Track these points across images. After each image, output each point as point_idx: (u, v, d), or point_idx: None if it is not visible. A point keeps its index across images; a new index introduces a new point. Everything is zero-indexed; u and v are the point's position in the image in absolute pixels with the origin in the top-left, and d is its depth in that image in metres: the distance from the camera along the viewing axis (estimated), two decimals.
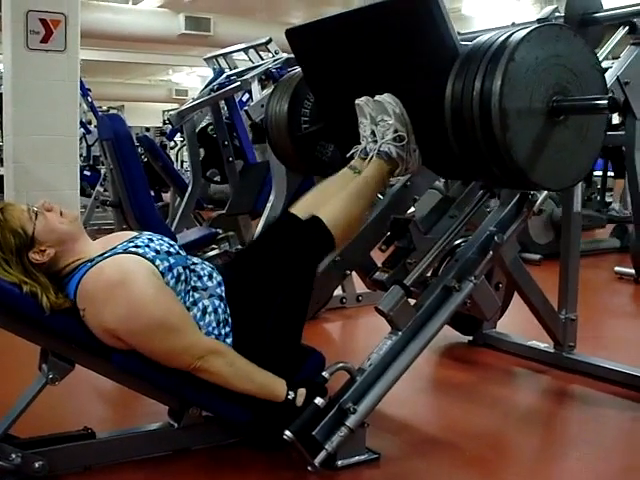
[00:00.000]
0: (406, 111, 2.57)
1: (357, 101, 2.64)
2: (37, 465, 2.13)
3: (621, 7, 3.07)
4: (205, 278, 2.34)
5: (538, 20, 2.96)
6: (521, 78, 2.23)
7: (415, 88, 2.56)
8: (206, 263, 2.43)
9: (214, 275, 2.37)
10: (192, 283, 2.30)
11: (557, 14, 3.00)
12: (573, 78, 2.35)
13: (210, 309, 2.29)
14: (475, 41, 2.37)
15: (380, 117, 2.58)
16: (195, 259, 2.42)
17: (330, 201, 2.52)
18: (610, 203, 8.02)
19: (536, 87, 2.27)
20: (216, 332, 2.28)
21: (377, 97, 2.59)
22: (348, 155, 2.68)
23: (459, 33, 3.14)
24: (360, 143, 2.65)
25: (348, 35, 2.72)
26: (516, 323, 3.85)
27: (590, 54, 2.42)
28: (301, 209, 2.53)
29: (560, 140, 2.35)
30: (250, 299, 2.35)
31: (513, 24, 3.15)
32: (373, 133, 2.60)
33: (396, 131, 2.56)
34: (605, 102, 2.27)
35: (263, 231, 2.66)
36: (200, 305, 2.27)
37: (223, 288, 2.35)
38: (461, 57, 2.35)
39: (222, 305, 2.32)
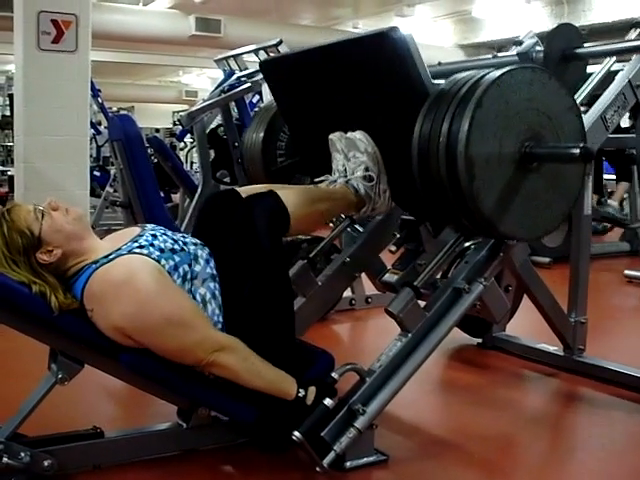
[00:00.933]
0: (378, 149, 2.55)
1: (330, 136, 2.63)
2: (46, 464, 2.14)
3: (603, 43, 3.05)
4: (192, 263, 2.28)
5: (518, 54, 2.91)
6: (490, 124, 2.15)
7: (387, 126, 2.52)
8: (189, 239, 2.36)
9: (199, 254, 2.31)
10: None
11: (537, 48, 2.94)
12: (547, 122, 2.27)
13: (209, 296, 2.27)
14: (447, 81, 2.30)
15: (352, 153, 2.57)
16: (178, 236, 2.36)
17: (285, 190, 2.48)
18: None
19: (506, 133, 2.19)
20: (221, 319, 2.27)
21: (350, 134, 2.58)
22: (317, 180, 2.66)
23: (439, 64, 3.12)
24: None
25: (322, 69, 2.69)
26: (525, 326, 3.83)
27: (566, 96, 2.34)
28: (249, 191, 2.48)
29: (532, 189, 2.27)
30: (225, 285, 2.32)
31: (495, 56, 3.11)
32: (345, 169, 2.59)
33: (367, 169, 2.54)
34: (577, 151, 2.17)
35: (202, 211, 2.60)
36: (198, 297, 2.25)
37: (212, 264, 2.32)
38: (431, 97, 2.27)
39: (217, 285, 2.30)
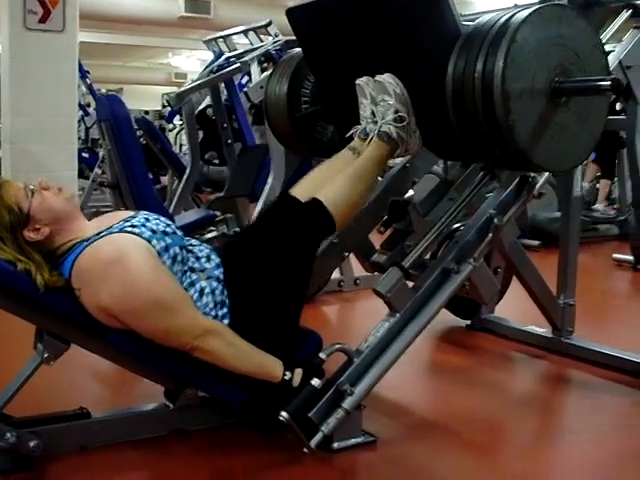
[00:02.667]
0: (407, 91, 2.55)
1: (357, 81, 2.61)
2: (32, 444, 2.12)
3: None
4: (203, 259, 2.32)
5: (541, 1, 2.93)
6: (523, 59, 2.20)
7: (416, 68, 2.52)
8: (205, 245, 2.41)
9: (212, 257, 2.36)
10: (189, 264, 2.28)
11: None
12: (575, 59, 2.31)
13: (207, 290, 2.27)
14: (477, 21, 2.34)
15: (380, 97, 2.55)
16: (193, 240, 2.41)
17: (330, 183, 2.49)
18: (589, 203, 7.95)
19: (538, 68, 2.24)
20: (213, 313, 2.27)
21: (378, 77, 2.56)
22: (347, 135, 2.64)
23: (461, 15, 3.12)
24: (360, 124, 2.62)
25: (349, 15, 2.68)
26: (514, 308, 3.84)
27: (593, 35, 2.38)
28: (300, 191, 2.51)
29: (562, 122, 2.32)
30: (249, 281, 2.33)
31: (515, 6, 3.11)
32: (373, 113, 2.56)
33: (396, 111, 2.53)
34: (608, 83, 2.23)
35: (262, 213, 2.62)
36: (197, 286, 2.26)
37: (222, 270, 2.34)
38: (462, 37, 2.31)
39: (220, 287, 2.30)
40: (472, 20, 2.39)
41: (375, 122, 2.55)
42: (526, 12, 2.23)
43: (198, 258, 2.32)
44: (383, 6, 2.53)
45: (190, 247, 2.33)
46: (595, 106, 2.40)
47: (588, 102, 2.38)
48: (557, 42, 2.27)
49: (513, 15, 2.25)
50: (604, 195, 7.67)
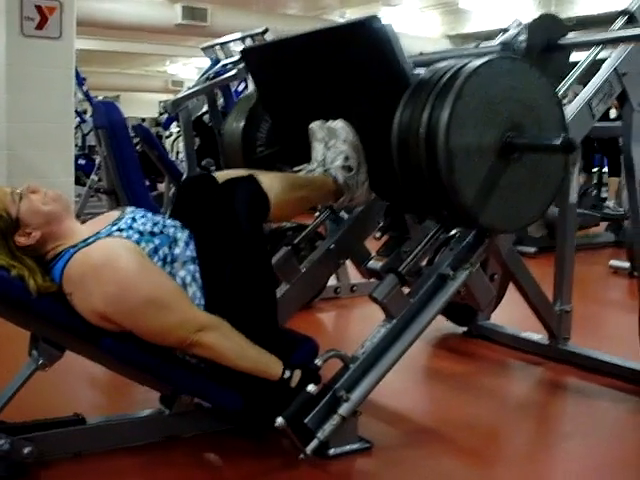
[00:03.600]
0: (359, 138, 2.51)
1: (311, 125, 2.59)
2: (26, 450, 2.11)
3: (586, 33, 3.03)
4: (172, 246, 2.24)
5: (501, 44, 2.89)
6: (470, 115, 2.13)
7: (368, 115, 2.49)
8: (169, 221, 2.32)
9: (178, 236, 2.27)
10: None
11: (521, 38, 2.91)
12: (528, 112, 2.25)
13: (189, 279, 2.23)
14: (427, 70, 2.28)
15: (332, 142, 2.54)
16: (158, 218, 2.32)
17: (264, 175, 2.45)
18: (605, 199, 8.03)
19: (487, 124, 2.17)
20: (202, 302, 2.23)
21: (330, 123, 2.55)
22: (295, 169, 2.62)
23: (421, 54, 3.10)
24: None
25: (304, 57, 2.66)
26: (511, 315, 3.83)
27: (547, 86, 2.32)
28: (227, 175, 2.45)
29: (514, 179, 2.25)
30: (206, 266, 2.28)
31: (477, 45, 3.09)
32: (324, 158, 2.56)
33: (347, 159, 2.52)
34: (558, 142, 2.15)
35: (181, 193, 2.56)
36: (178, 280, 2.21)
37: (192, 246, 2.28)
38: (411, 87, 2.24)
39: (197, 267, 2.26)
40: (431, 62, 2.34)
41: (324, 165, 2.54)
42: (475, 64, 2.16)
43: (170, 247, 2.24)
44: (336, 51, 2.50)
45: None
46: (551, 161, 2.33)
47: (543, 157, 2.31)
48: (508, 95, 2.20)
49: (463, 66, 2.18)
50: (614, 190, 7.69)
